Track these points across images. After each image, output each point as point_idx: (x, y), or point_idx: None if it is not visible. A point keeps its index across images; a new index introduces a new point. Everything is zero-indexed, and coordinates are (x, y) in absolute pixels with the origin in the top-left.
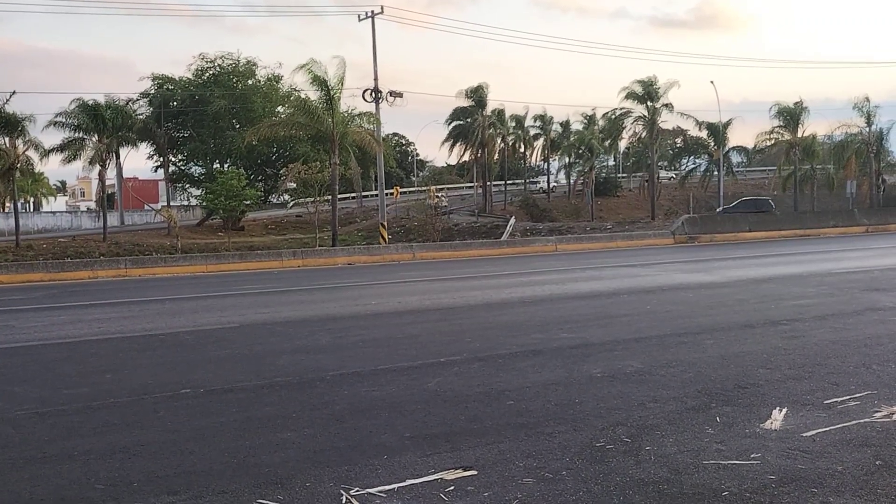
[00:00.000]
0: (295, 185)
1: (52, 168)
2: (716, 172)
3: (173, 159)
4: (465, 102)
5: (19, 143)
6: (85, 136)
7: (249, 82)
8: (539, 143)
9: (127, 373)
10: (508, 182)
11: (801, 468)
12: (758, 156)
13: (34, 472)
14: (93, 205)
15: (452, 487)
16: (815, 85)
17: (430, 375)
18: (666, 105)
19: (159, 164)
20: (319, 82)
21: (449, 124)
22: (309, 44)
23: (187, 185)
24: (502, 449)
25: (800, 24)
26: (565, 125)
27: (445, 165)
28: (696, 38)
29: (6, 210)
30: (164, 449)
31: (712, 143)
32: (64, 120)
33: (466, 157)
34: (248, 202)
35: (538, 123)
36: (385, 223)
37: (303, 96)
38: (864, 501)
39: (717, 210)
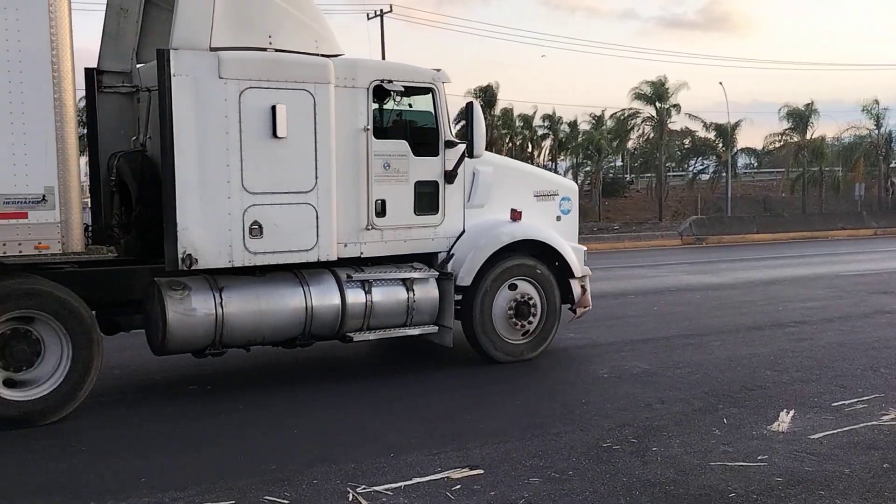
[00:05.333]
0: None
1: None
2: (724, 174)
3: None
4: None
5: None
6: None
7: None
8: (547, 143)
9: (134, 369)
10: None
11: (808, 470)
12: (766, 157)
13: (42, 468)
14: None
15: (459, 486)
16: (824, 86)
17: (436, 377)
18: (674, 106)
19: None
20: None
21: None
22: None
23: None
24: (509, 448)
25: (810, 26)
26: (573, 125)
27: None
28: (705, 39)
29: None
30: (172, 445)
31: (720, 145)
32: None
33: None
34: None
35: (546, 123)
36: None
37: None
38: None
39: None
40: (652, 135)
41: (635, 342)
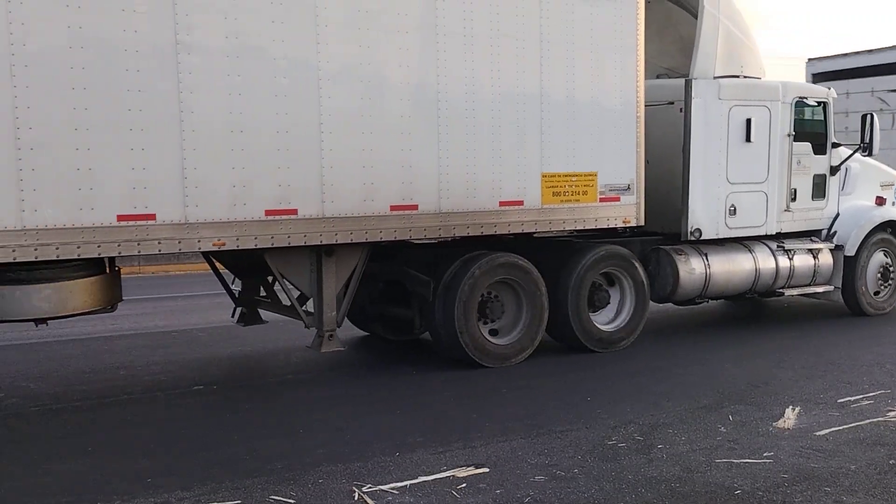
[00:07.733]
0: None
1: None
2: None
3: None
4: None
5: None
6: None
7: None
8: None
9: (140, 369)
10: None
11: (814, 467)
12: None
13: (48, 469)
14: None
15: (464, 484)
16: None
17: (440, 376)
18: None
19: None
20: None
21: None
22: None
23: None
24: (514, 446)
25: (812, 24)
26: None
27: None
28: None
29: None
30: (178, 445)
31: None
32: None
33: None
34: None
35: None
36: None
37: None
38: (877, 501)
39: None
40: None
41: (640, 339)
